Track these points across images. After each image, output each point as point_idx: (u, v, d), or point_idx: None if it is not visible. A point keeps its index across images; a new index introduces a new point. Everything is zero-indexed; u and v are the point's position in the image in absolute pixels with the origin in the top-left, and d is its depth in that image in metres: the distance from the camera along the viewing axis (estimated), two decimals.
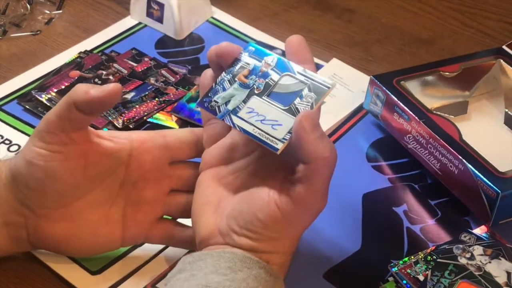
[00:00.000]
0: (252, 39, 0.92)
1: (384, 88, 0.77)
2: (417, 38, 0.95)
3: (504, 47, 0.85)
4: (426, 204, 0.74)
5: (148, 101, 0.82)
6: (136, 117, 0.80)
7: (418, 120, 0.74)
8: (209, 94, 0.60)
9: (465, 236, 0.68)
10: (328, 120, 0.82)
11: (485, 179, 0.68)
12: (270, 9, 0.98)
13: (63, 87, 0.83)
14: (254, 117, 0.58)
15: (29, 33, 0.92)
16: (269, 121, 0.58)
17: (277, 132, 0.57)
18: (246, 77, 0.60)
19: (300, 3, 1.00)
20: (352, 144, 0.80)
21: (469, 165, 0.69)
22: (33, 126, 0.79)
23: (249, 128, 0.58)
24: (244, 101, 0.59)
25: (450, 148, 0.71)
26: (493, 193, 0.67)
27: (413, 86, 0.79)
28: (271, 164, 0.60)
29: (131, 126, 0.79)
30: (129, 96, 0.83)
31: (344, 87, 0.86)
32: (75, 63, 0.86)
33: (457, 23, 0.98)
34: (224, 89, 0.60)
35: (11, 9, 0.95)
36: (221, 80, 0.61)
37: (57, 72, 0.85)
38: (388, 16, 0.98)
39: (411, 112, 0.75)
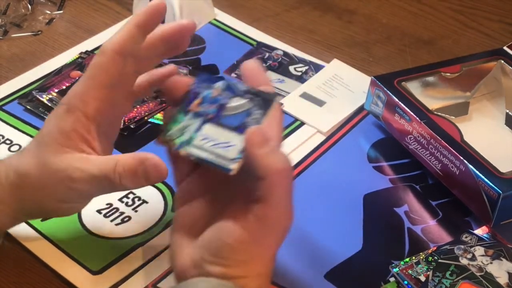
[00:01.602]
0: (252, 39, 0.92)
1: (385, 89, 0.77)
2: (418, 38, 0.95)
3: (505, 48, 0.85)
4: (427, 204, 0.74)
5: (149, 102, 0.82)
6: (137, 117, 0.80)
7: (419, 120, 0.74)
8: (165, 130, 0.61)
9: (466, 237, 0.68)
10: (329, 120, 0.82)
11: (486, 179, 0.68)
12: (271, 10, 0.98)
13: (64, 87, 0.83)
14: (208, 143, 0.59)
15: (30, 33, 0.92)
16: (222, 143, 0.58)
17: (230, 153, 0.57)
18: (198, 106, 0.61)
19: (300, 4, 1.00)
20: (353, 144, 0.80)
21: (470, 166, 0.69)
22: (34, 126, 0.79)
23: (204, 155, 0.58)
24: (198, 130, 0.60)
25: (451, 149, 0.71)
26: (494, 193, 0.67)
27: (414, 87, 0.79)
28: (233, 189, 0.60)
29: (132, 126, 0.79)
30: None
31: (345, 88, 0.86)
32: (76, 64, 0.86)
33: (458, 24, 0.98)
34: (179, 122, 0.61)
35: (12, 9, 0.95)
36: (175, 114, 0.61)
37: (58, 73, 0.85)
38: (389, 16, 0.98)
39: (412, 113, 0.75)
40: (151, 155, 0.59)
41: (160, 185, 0.74)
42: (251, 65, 0.62)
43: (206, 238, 0.58)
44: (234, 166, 0.57)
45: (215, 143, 0.58)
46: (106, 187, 0.61)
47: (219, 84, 0.62)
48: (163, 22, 0.91)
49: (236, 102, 0.60)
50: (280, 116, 0.61)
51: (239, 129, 0.58)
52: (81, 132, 0.60)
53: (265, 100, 0.59)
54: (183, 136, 0.60)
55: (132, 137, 0.79)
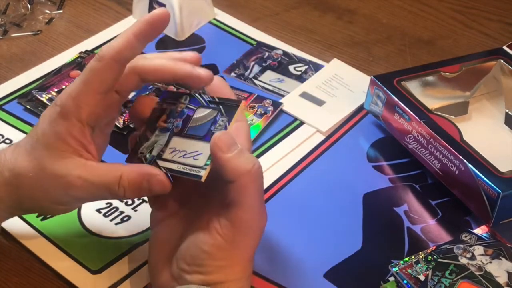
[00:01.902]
0: (252, 39, 0.92)
1: (385, 88, 0.78)
2: (418, 38, 0.95)
3: (505, 47, 0.85)
4: (426, 204, 0.74)
5: None
6: None
7: (419, 120, 0.74)
8: (135, 149, 0.62)
9: (465, 236, 0.68)
10: (329, 120, 0.82)
11: (486, 179, 0.68)
12: (271, 10, 0.98)
13: (63, 87, 0.83)
14: (176, 155, 0.60)
15: (29, 33, 0.92)
16: (190, 153, 0.60)
17: (198, 161, 0.58)
18: (164, 121, 0.62)
19: (300, 4, 1.00)
20: (353, 144, 0.80)
21: (470, 165, 0.69)
22: (33, 126, 0.79)
23: (173, 166, 0.59)
24: (167, 144, 0.61)
25: (451, 148, 0.71)
26: (494, 193, 0.67)
27: (413, 87, 0.79)
28: (206, 199, 0.61)
29: (132, 126, 0.79)
30: (129, 96, 0.82)
31: (344, 88, 0.86)
32: (76, 63, 0.86)
33: (458, 23, 0.98)
34: (147, 140, 0.62)
35: (11, 9, 0.95)
36: (143, 133, 0.63)
37: (57, 72, 0.85)
38: (389, 16, 0.98)
39: (411, 112, 0.75)
40: (156, 170, 0.59)
41: None
42: (216, 83, 0.62)
43: (182, 249, 0.59)
44: (203, 173, 0.57)
45: (184, 154, 0.59)
46: (106, 196, 0.61)
47: (183, 98, 0.62)
48: None
49: (201, 113, 0.61)
50: (246, 121, 0.62)
51: (206, 137, 0.59)
52: (77, 137, 0.60)
53: (229, 107, 0.60)
54: (153, 151, 0.61)
55: None
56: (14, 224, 0.69)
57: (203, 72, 0.61)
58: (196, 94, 0.62)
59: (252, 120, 0.81)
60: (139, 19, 0.60)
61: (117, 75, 0.60)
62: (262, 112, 0.82)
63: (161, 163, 0.60)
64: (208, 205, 0.60)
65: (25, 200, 0.62)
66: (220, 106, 0.60)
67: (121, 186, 0.59)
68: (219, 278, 0.58)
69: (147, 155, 0.61)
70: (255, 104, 0.82)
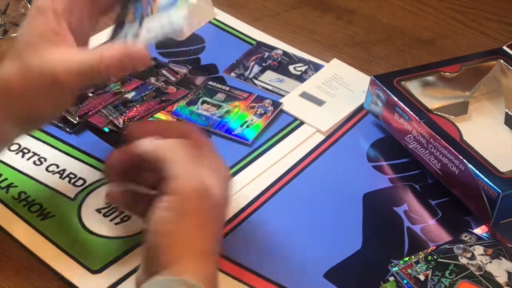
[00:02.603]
0: (252, 39, 0.92)
1: (385, 88, 0.78)
2: (418, 38, 0.95)
3: (505, 47, 0.85)
4: (426, 204, 0.74)
5: (149, 101, 0.82)
6: (137, 117, 0.80)
7: (419, 120, 0.74)
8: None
9: (465, 236, 0.68)
10: (329, 120, 0.82)
11: (486, 179, 0.68)
12: (271, 10, 0.98)
13: None
14: (152, 31, 0.64)
15: None
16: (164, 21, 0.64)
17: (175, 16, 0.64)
18: (132, 15, 0.67)
19: (300, 4, 1.00)
20: (353, 144, 0.80)
21: (470, 165, 0.69)
22: None
23: (152, 35, 0.64)
24: (140, 26, 0.65)
25: (451, 148, 0.71)
26: (494, 193, 0.67)
27: (413, 87, 0.79)
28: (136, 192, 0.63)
29: None
30: (129, 95, 0.83)
31: (344, 87, 0.86)
32: None
33: (458, 24, 0.98)
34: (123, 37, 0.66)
35: (11, 8, 0.95)
36: (115, 31, 0.67)
37: None
38: (389, 16, 0.98)
39: (411, 112, 0.75)
40: (133, 47, 0.63)
41: None
42: None
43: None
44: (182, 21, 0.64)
45: (159, 25, 0.64)
46: (90, 78, 0.62)
47: None
48: None
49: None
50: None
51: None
52: (54, 28, 0.62)
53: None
54: (127, 36, 0.65)
55: None
56: (14, 224, 0.69)
57: None
58: None
59: (252, 120, 0.81)
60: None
61: None
62: (262, 112, 0.82)
63: (138, 40, 0.64)
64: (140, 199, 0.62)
65: (14, 109, 0.62)
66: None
67: (103, 63, 0.61)
68: (173, 256, 0.55)
69: (129, 38, 0.65)
70: (255, 104, 0.82)
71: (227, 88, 0.84)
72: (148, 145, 0.60)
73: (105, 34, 0.92)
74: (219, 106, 0.82)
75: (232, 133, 0.79)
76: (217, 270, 0.58)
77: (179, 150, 0.59)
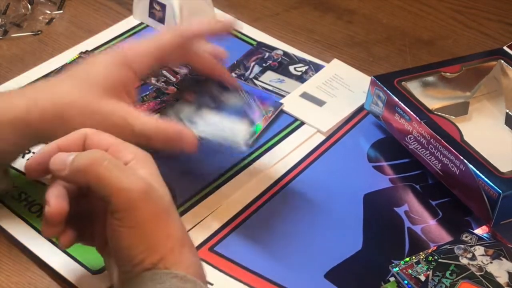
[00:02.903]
0: (252, 39, 0.92)
1: (385, 89, 0.77)
2: (418, 39, 0.95)
3: (505, 47, 0.85)
4: (427, 204, 0.74)
5: (149, 101, 0.82)
6: None
7: (419, 120, 0.74)
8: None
9: (466, 237, 0.68)
10: (329, 120, 0.82)
11: (486, 179, 0.68)
12: (271, 10, 0.98)
13: None
14: (210, 127, 0.69)
15: (30, 33, 0.92)
16: (227, 129, 0.69)
17: (238, 137, 0.68)
18: (191, 96, 0.72)
19: (300, 4, 1.00)
20: (353, 144, 0.80)
21: (470, 166, 0.69)
22: None
23: (209, 136, 0.68)
24: (196, 114, 0.70)
25: (452, 149, 0.71)
26: (495, 193, 0.67)
27: (414, 87, 0.79)
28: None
29: None
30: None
31: (345, 88, 0.86)
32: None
33: (458, 24, 0.98)
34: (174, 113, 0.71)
35: (12, 9, 0.95)
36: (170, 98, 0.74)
37: (58, 72, 0.85)
38: (389, 17, 0.98)
39: (412, 113, 0.75)
40: (188, 130, 0.68)
41: None
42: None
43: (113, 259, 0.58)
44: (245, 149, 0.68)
45: (219, 128, 0.68)
46: (144, 142, 0.64)
47: (210, 82, 0.73)
48: (162, 22, 0.92)
49: (231, 97, 0.71)
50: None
51: (241, 117, 0.69)
52: (129, 86, 0.68)
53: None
54: (181, 115, 0.70)
55: None
56: (14, 224, 0.69)
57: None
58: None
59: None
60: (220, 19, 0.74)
61: (179, 54, 0.71)
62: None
63: (192, 127, 0.68)
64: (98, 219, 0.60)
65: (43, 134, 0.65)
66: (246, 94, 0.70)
67: (158, 137, 0.66)
68: (155, 258, 0.55)
69: (178, 116, 0.70)
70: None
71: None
72: (72, 173, 0.57)
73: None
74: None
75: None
76: (198, 258, 0.58)
77: (98, 166, 0.56)
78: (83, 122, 0.62)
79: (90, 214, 0.61)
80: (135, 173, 0.56)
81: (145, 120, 0.67)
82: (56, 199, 0.57)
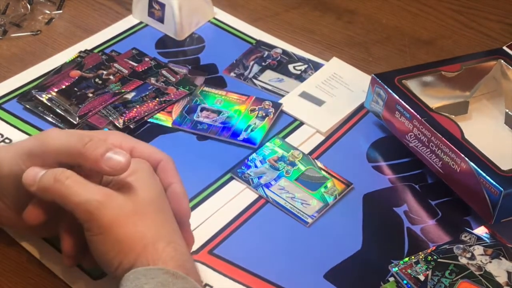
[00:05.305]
0: (252, 39, 0.92)
1: (386, 87, 0.77)
2: (418, 39, 0.95)
3: (505, 47, 0.85)
4: (426, 204, 0.74)
5: (149, 101, 0.82)
6: (137, 117, 0.80)
7: (420, 118, 0.74)
8: (242, 167, 0.75)
9: (465, 236, 0.68)
10: (329, 120, 0.82)
11: (487, 177, 0.68)
12: (271, 10, 0.98)
13: (63, 86, 0.82)
14: (284, 194, 0.73)
15: (29, 33, 0.92)
16: (299, 199, 0.72)
17: (307, 209, 0.71)
18: (275, 161, 0.75)
19: (300, 4, 1.00)
20: (353, 144, 0.80)
21: (472, 163, 0.69)
22: (33, 125, 0.79)
23: (281, 202, 0.72)
24: (275, 180, 0.74)
25: (452, 146, 0.71)
26: (496, 191, 0.67)
27: (414, 86, 0.79)
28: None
29: (131, 126, 0.79)
30: (129, 96, 0.82)
31: (344, 87, 0.86)
32: (76, 63, 0.86)
33: (457, 24, 0.98)
34: (256, 166, 0.75)
35: (11, 9, 0.95)
36: (252, 159, 0.75)
37: (57, 72, 0.85)
38: (389, 17, 0.98)
39: (412, 111, 0.75)
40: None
41: None
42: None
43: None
44: (310, 221, 0.70)
45: (293, 197, 0.72)
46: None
47: (296, 153, 0.76)
48: (162, 21, 0.92)
49: (312, 173, 0.75)
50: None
51: (316, 194, 0.72)
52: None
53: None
54: (261, 179, 0.74)
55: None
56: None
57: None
58: (308, 156, 0.76)
59: (255, 124, 0.80)
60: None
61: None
62: (264, 114, 0.81)
63: (269, 192, 0.72)
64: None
65: None
66: (331, 177, 0.74)
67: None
68: (131, 258, 0.57)
69: (254, 179, 0.74)
70: (255, 107, 0.82)
71: (224, 93, 0.84)
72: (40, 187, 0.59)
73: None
74: (219, 112, 0.81)
75: (238, 138, 0.79)
76: (184, 252, 0.59)
77: (61, 184, 0.58)
78: None
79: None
80: (95, 186, 0.59)
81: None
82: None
